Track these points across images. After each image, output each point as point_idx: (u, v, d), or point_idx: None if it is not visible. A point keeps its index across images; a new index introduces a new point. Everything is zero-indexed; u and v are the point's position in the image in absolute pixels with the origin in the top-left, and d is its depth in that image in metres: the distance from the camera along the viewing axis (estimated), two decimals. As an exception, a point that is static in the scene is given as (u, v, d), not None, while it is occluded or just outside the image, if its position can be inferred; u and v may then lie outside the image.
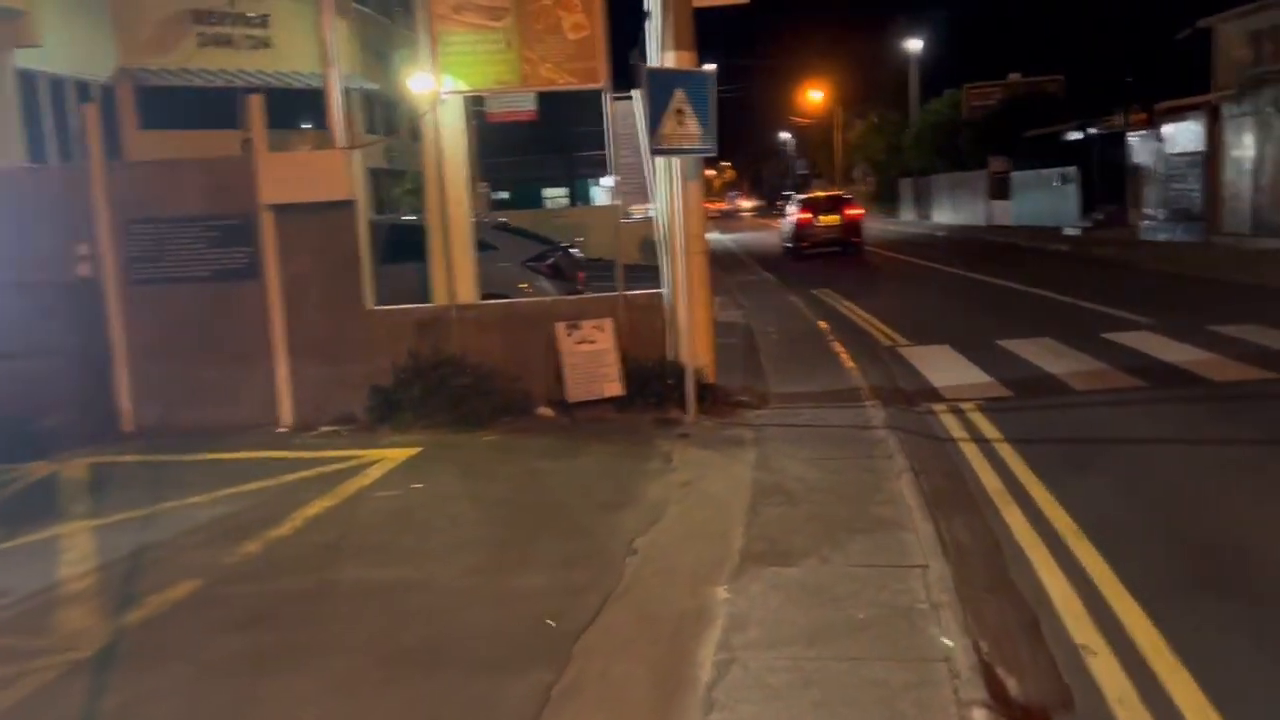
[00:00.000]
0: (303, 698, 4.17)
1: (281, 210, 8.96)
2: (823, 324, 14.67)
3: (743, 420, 8.66)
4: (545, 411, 8.94)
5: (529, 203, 49.93)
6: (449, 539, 5.98)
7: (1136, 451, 7.51)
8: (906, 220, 52.93)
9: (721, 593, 4.92)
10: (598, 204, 36.30)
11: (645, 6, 9.23)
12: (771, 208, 66.62)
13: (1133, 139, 29.55)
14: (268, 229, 8.97)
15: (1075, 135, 35.74)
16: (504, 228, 12.93)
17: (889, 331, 13.74)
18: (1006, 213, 39.48)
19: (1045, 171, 36.28)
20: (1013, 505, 6.31)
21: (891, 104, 56.73)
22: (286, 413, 9.11)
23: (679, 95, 8.28)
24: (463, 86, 8.88)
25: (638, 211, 10.53)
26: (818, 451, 7.51)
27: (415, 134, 9.19)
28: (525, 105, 25.50)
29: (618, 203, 9.83)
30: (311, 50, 9.08)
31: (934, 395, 9.57)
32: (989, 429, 8.18)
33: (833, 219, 29.25)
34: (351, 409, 9.02)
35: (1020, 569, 5.31)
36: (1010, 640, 4.45)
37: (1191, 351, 10.51)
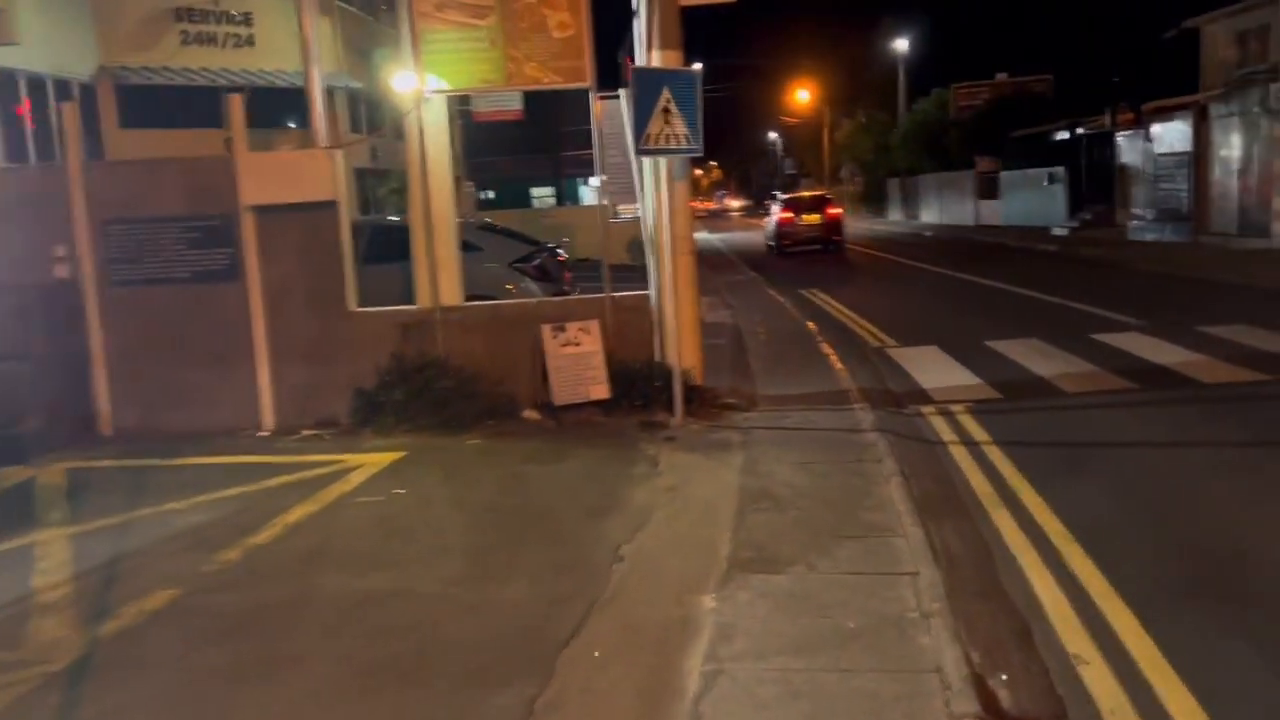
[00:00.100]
0: (280, 711, 4.07)
1: (263, 211, 8.84)
2: (811, 324, 14.60)
3: (730, 423, 8.58)
4: (531, 414, 8.84)
5: (516, 202, 49.83)
6: (431, 546, 5.88)
7: (1127, 454, 7.45)
8: (894, 220, 52.97)
9: (708, 601, 4.83)
10: (586, 204, 36.20)
11: (632, 5, 9.14)
12: (759, 207, 66.61)
13: (1120, 139, 29.59)
14: (249, 230, 8.85)
15: (1063, 135, 35.79)
16: (489, 228, 12.80)
17: (877, 332, 13.68)
18: (995, 212, 39.51)
19: (1033, 171, 36.32)
20: (1003, 509, 6.24)
21: (879, 104, 56.75)
22: (268, 416, 8.98)
23: (666, 95, 8.18)
24: (446, 86, 8.77)
25: (626, 211, 10.44)
26: (806, 455, 7.43)
27: (400, 133, 9.08)
28: (512, 105, 25.45)
29: (604, 203, 9.74)
30: (295, 48, 8.94)
31: (923, 397, 9.50)
32: (978, 432, 8.12)
33: (814, 218, 30.09)
34: (334, 412, 8.91)
35: (1011, 575, 5.24)
36: (1002, 649, 4.37)
37: (1181, 353, 10.46)
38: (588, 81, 8.73)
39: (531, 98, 32.25)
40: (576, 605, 4.86)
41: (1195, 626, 4.57)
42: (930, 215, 47.87)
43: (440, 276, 8.94)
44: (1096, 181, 32.07)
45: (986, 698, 3.94)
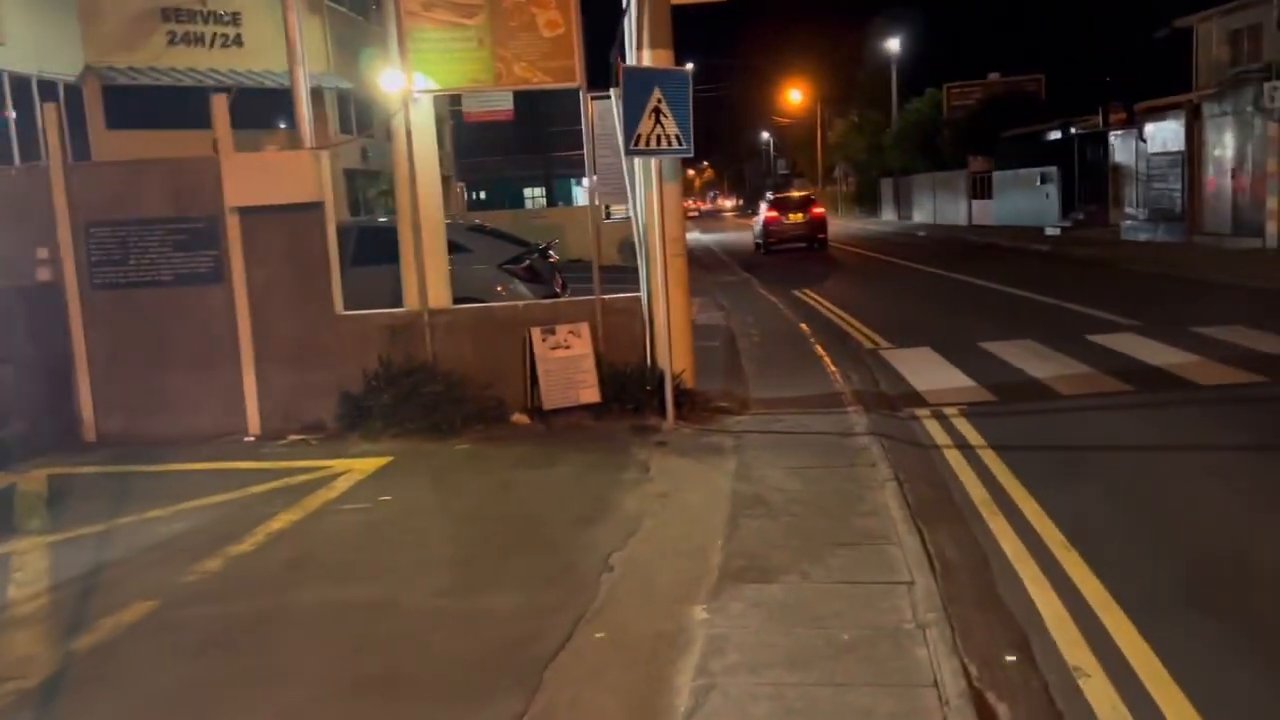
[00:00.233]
0: (256, 731, 3.95)
1: (248, 212, 8.70)
2: (804, 325, 14.51)
3: (722, 427, 8.47)
4: (520, 419, 8.72)
5: (508, 203, 49.72)
6: (417, 556, 5.75)
7: (1124, 458, 7.35)
8: (887, 220, 52.96)
9: (700, 613, 4.71)
10: (578, 205, 36.11)
11: (622, 4, 9.02)
12: (751, 207, 66.65)
13: (1113, 138, 29.57)
14: (233, 232, 8.72)
15: (1056, 135, 35.78)
16: (479, 229, 12.68)
17: (870, 333, 13.58)
18: (987, 212, 39.49)
19: (1026, 171, 36.30)
20: (999, 515, 6.13)
21: (872, 103, 56.73)
22: (253, 421, 8.85)
23: (657, 95, 8.07)
24: (434, 85, 8.65)
25: (619, 212, 10.31)
26: (799, 460, 7.33)
27: (390, 134, 8.95)
28: (503, 105, 25.32)
29: (595, 204, 9.62)
30: (284, 48, 8.79)
31: (917, 400, 9.40)
32: (973, 435, 8.01)
33: (799, 217, 31.76)
34: (320, 417, 8.77)
35: (1009, 584, 5.13)
36: (1001, 663, 4.25)
37: (1176, 354, 10.38)
38: (578, 81, 8.62)
39: (522, 98, 32.19)
40: (564, 616, 4.74)
41: (1197, 636, 4.47)
42: (923, 215, 47.86)
43: (428, 279, 8.82)
44: (1089, 181, 32.06)
45: (985, 713, 3.83)
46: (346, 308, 9.01)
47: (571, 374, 8.67)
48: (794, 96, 70.43)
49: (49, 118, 8.90)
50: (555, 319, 8.83)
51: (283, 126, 18.83)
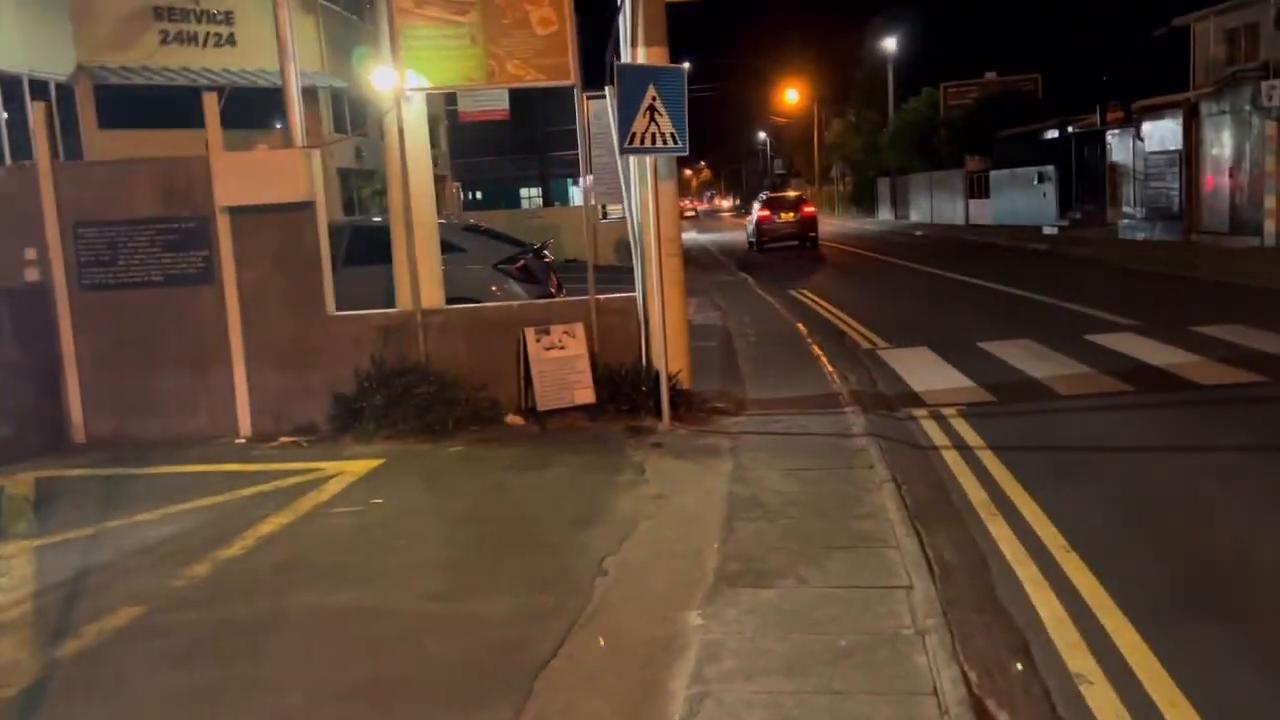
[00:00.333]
0: (241, 741, 3.86)
1: (238, 212, 8.61)
2: (800, 325, 14.43)
3: (719, 428, 8.39)
4: (514, 420, 8.64)
5: (505, 203, 49.62)
6: (408, 560, 5.67)
7: (1124, 459, 7.28)
8: (884, 219, 52.91)
9: (694, 618, 4.63)
10: (575, 205, 35.94)
11: (618, 1, 8.93)
12: (746, 207, 66.61)
13: (1111, 137, 29.51)
14: (224, 232, 8.62)
15: (1053, 134, 35.74)
16: (473, 229, 12.60)
17: (867, 333, 13.51)
18: (984, 212, 39.44)
19: (1023, 170, 36.24)
20: (998, 518, 6.06)
21: (869, 103, 56.67)
22: (245, 423, 8.76)
23: (651, 92, 8.00)
24: (427, 83, 8.56)
25: (615, 212, 10.23)
26: (796, 461, 7.24)
27: (382, 132, 8.86)
28: (499, 104, 25.25)
29: (591, 203, 9.55)
30: (277, 47, 8.72)
31: (915, 400, 9.32)
32: (972, 436, 7.94)
33: (790, 216, 32.99)
34: (312, 418, 8.69)
35: (1008, 588, 5.05)
36: (1001, 669, 4.17)
37: (1176, 353, 10.31)
38: (571, 79, 8.54)
39: (518, 97, 32.13)
40: (557, 621, 4.66)
41: (1200, 642, 4.39)
42: (920, 215, 47.81)
43: (421, 278, 8.74)
44: (1086, 180, 32.01)
45: (985, 721, 3.76)
46: (340, 308, 8.93)
47: (566, 375, 8.59)
48: (791, 96, 70.32)
49: (37, 117, 8.82)
50: (549, 319, 8.74)
51: (278, 126, 18.71)
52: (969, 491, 6.59)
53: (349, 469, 7.60)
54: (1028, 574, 5.19)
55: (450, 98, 30.13)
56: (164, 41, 18.72)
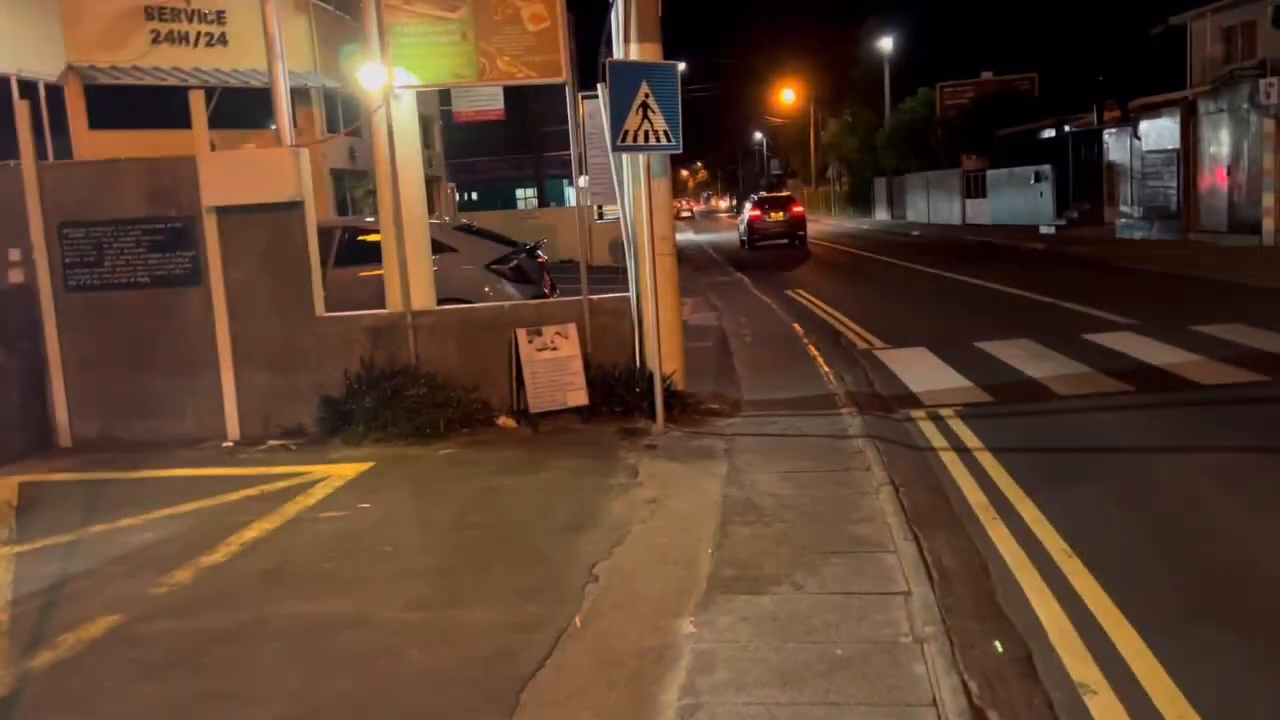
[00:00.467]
0: (217, 757, 3.73)
1: (226, 212, 8.47)
2: (797, 326, 14.31)
3: (714, 429, 8.26)
4: (506, 422, 8.51)
5: (500, 204, 49.51)
6: (395, 567, 5.53)
7: (1125, 460, 7.16)
8: (881, 220, 52.83)
9: (687, 626, 4.50)
10: (571, 205, 35.86)
11: (609, -3, 8.82)
12: (742, 207, 66.63)
13: (1108, 136, 29.42)
14: (211, 232, 8.49)
15: (1050, 133, 35.66)
16: (465, 229, 12.46)
17: (864, 333, 13.39)
18: (981, 211, 39.37)
19: (1020, 170, 36.17)
20: (998, 521, 5.93)
21: (866, 103, 56.59)
22: (233, 426, 8.62)
23: (645, 89, 7.87)
24: (416, 81, 8.45)
25: (611, 212, 10.11)
26: (792, 464, 7.12)
27: (371, 131, 8.73)
28: (494, 104, 25.08)
29: (585, 203, 9.43)
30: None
31: (912, 401, 9.20)
32: (970, 437, 7.82)
33: (780, 215, 34.54)
34: (301, 421, 8.56)
35: (1009, 594, 4.93)
36: (1002, 679, 4.05)
37: (1175, 353, 10.20)
38: (564, 76, 8.42)
39: (514, 97, 31.96)
40: (546, 631, 4.53)
41: (1206, 648, 4.27)
42: (917, 214, 47.73)
43: (411, 279, 8.61)
44: (1084, 179, 31.92)
45: (987, 734, 3.63)
46: (331, 309, 8.80)
47: (558, 376, 8.46)
48: (787, 96, 70.28)
49: (20, 115, 8.67)
50: (542, 320, 8.62)
51: (271, 127, 18.52)
52: (968, 494, 6.47)
53: (337, 473, 7.47)
54: (1028, 579, 5.07)
55: (445, 98, 29.95)
56: (155, 41, 18.54)
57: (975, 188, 40.47)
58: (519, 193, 57.75)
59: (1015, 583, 5.04)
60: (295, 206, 8.43)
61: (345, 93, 22.55)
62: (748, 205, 37.69)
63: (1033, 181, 34.97)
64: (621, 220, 8.88)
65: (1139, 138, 26.56)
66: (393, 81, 8.34)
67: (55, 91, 17.85)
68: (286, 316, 8.58)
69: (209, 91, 18.28)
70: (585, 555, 5.49)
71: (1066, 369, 9.91)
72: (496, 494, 6.84)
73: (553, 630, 4.53)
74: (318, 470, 7.56)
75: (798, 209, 35.26)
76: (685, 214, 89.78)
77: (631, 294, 8.68)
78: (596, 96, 8.77)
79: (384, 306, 8.80)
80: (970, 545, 5.60)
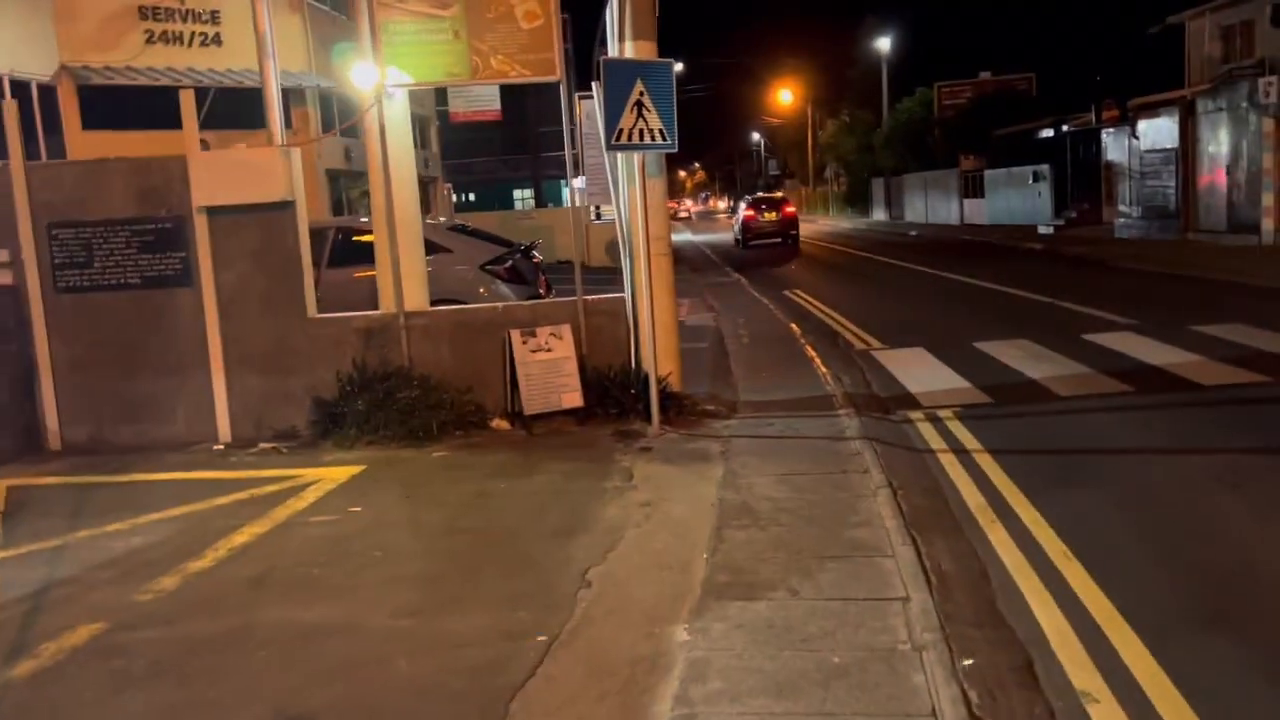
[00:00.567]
0: (198, 770, 3.64)
1: (216, 212, 8.39)
2: (794, 326, 14.23)
3: (710, 431, 8.17)
4: (500, 424, 8.42)
5: (498, 204, 49.41)
6: (384, 573, 5.44)
7: (1126, 462, 7.07)
8: (878, 220, 52.74)
9: (680, 634, 4.41)
10: (568, 206, 35.80)
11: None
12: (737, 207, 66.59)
13: (1106, 136, 29.34)
14: (202, 233, 8.40)
15: (1048, 133, 35.59)
16: (460, 229, 12.36)
17: (862, 334, 13.29)
18: (980, 211, 39.29)
19: (1018, 170, 36.09)
20: (997, 524, 5.84)
21: (863, 103, 56.51)
22: (224, 428, 8.53)
23: (639, 87, 7.78)
24: (408, 80, 8.36)
25: (609, 213, 10.02)
26: (789, 466, 7.03)
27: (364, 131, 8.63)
28: (490, 104, 24.99)
29: (580, 204, 9.34)
30: (265, 47, 8.49)
31: (910, 402, 9.11)
32: (969, 439, 7.73)
33: (772, 215, 36.07)
34: (293, 423, 8.47)
35: (1009, 599, 4.83)
36: (1003, 687, 3.96)
37: (1176, 353, 10.11)
38: (557, 75, 8.33)
39: (511, 97, 31.87)
40: (537, 639, 4.43)
41: (1211, 655, 4.18)
42: (915, 215, 47.64)
43: (404, 280, 8.51)
44: (1082, 179, 31.86)
45: (987, 745, 3.54)
46: (326, 310, 8.72)
47: (553, 378, 8.37)
48: (785, 97, 70.23)
49: (8, 115, 8.58)
50: (536, 321, 8.53)
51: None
52: (967, 497, 6.38)
53: (328, 476, 7.38)
54: (1029, 584, 4.98)
55: (441, 97, 29.86)
56: (149, 41, 18.43)
57: (973, 188, 40.39)
58: (516, 193, 57.64)
59: (1015, 587, 4.95)
60: (287, 207, 8.34)
61: (340, 93, 22.47)
62: (742, 205, 39.11)
63: (1031, 181, 34.90)
64: (617, 220, 8.79)
65: (1137, 137, 26.49)
66: (385, 80, 8.25)
67: (48, 92, 17.75)
68: (278, 318, 8.49)
69: (203, 92, 18.24)
70: (578, 560, 5.40)
71: (1066, 369, 9.82)
72: (489, 498, 6.75)
73: (545, 637, 4.43)
74: (309, 474, 7.46)
75: (790, 209, 36.81)
76: (683, 214, 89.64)
77: (627, 294, 8.59)
78: (593, 96, 8.69)
79: (378, 307, 8.72)
80: (969, 549, 5.51)
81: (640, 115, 7.76)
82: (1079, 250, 24.08)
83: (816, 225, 54.32)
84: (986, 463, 7.07)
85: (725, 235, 45.43)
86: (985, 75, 48.16)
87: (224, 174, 8.28)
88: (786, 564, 5.17)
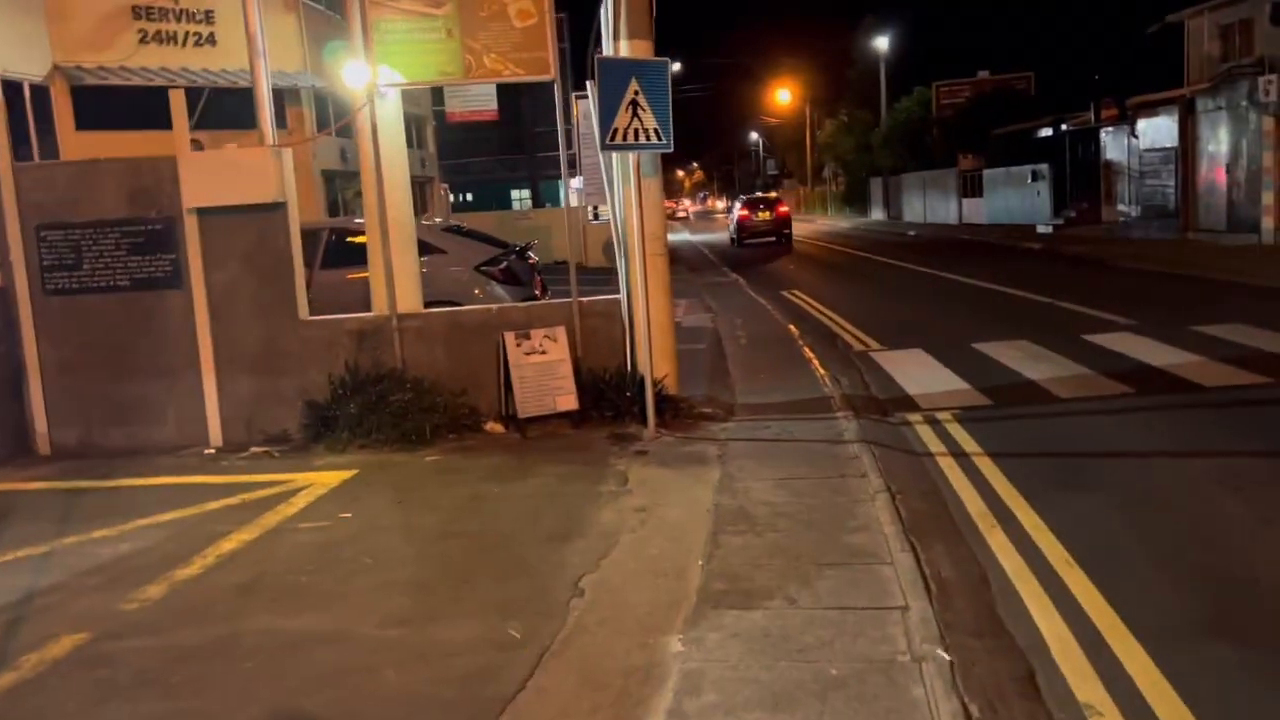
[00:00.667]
0: (179, 786, 3.55)
1: (207, 213, 8.29)
2: (792, 327, 14.15)
3: (706, 434, 8.08)
4: (494, 427, 8.33)
5: (495, 204, 49.30)
6: (374, 580, 5.35)
7: (1128, 465, 6.98)
8: (877, 219, 52.66)
9: (675, 644, 4.32)
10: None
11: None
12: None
13: (1105, 135, 29.27)
14: (192, 234, 8.30)
15: (1047, 132, 35.51)
16: (454, 230, 12.27)
17: (860, 335, 13.21)
18: (978, 211, 39.21)
19: (1017, 169, 36.01)
20: (998, 530, 5.75)
21: (862, 103, 56.45)
22: (215, 432, 8.44)
23: (634, 86, 7.69)
24: (401, 79, 8.26)
25: (606, 213, 9.94)
26: (786, 470, 6.94)
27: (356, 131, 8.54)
28: (487, 104, 24.84)
29: (578, 204, 9.25)
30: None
31: (909, 404, 9.02)
32: (968, 441, 7.64)
33: (766, 215, 37.09)
34: (285, 427, 8.37)
35: (1010, 607, 4.75)
36: (1004, 699, 3.87)
37: (1177, 354, 10.03)
38: (551, 74, 8.24)
39: (507, 97, 31.77)
40: (529, 649, 4.35)
41: (1216, 666, 4.09)
42: (913, 214, 47.56)
43: (397, 282, 8.42)
44: (1081, 178, 31.78)
45: (988, 760, 3.45)
46: (319, 311, 8.62)
47: (547, 380, 8.28)
48: (783, 96, 70.16)
49: (-4, 115, 8.48)
50: (530, 323, 8.44)
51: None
52: (966, 502, 6.29)
53: (320, 480, 7.29)
54: (1030, 591, 4.89)
55: (438, 97, 29.71)
56: (142, 41, 18.30)
57: (972, 187, 40.31)
58: (514, 193, 57.53)
59: (1016, 595, 4.86)
60: (278, 208, 8.24)
61: (335, 93, 22.36)
62: (737, 205, 40.16)
63: (1030, 181, 34.82)
64: (612, 221, 8.70)
65: (1136, 136, 26.42)
66: (377, 80, 8.16)
67: (41, 92, 17.63)
68: (269, 320, 8.40)
69: (198, 92, 18.12)
70: (572, 567, 5.31)
71: (1066, 371, 9.74)
72: (482, 502, 6.66)
73: (536, 647, 4.35)
74: (300, 478, 7.37)
75: (783, 209, 37.81)
76: (681, 214, 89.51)
77: (622, 295, 8.50)
78: (586, 97, 8.61)
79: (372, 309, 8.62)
80: (969, 555, 5.42)
81: (635, 115, 7.67)
82: (1078, 250, 24.00)
83: (815, 225, 54.26)
84: (986, 466, 6.98)
85: (723, 235, 45.33)
86: (984, 74, 48.09)
87: (214, 175, 8.19)
88: (783, 571, 5.08)
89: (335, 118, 23.12)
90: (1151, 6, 28.99)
